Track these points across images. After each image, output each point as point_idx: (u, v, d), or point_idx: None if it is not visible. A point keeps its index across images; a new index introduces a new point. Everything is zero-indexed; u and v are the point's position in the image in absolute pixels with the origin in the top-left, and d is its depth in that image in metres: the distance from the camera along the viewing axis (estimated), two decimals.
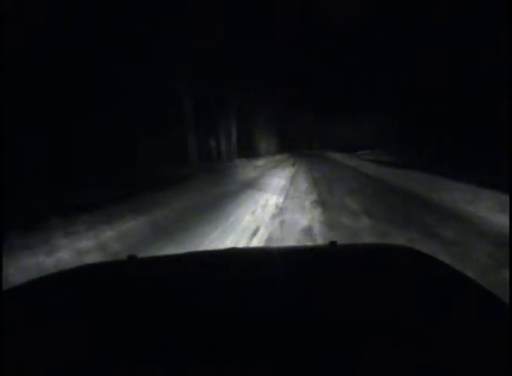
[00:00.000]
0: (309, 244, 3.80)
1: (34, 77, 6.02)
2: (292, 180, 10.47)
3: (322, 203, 6.25)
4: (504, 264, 2.89)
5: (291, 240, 3.86)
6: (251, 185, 9.31)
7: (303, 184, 9.35)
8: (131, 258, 1.06)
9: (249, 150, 23.06)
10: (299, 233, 4.18)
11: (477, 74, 11.72)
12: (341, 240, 3.07)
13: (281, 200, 6.69)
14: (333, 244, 1.13)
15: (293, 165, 18.11)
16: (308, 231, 4.25)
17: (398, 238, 3.78)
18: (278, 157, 28.14)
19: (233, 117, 19.47)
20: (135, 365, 0.53)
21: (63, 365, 0.54)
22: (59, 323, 0.66)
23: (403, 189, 7.91)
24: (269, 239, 3.86)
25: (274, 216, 5.15)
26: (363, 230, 4.21)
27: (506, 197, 5.73)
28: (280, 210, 5.64)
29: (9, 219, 4.41)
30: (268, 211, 5.63)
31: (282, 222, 4.72)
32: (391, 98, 21.30)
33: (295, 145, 42.85)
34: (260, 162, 19.86)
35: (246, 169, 14.99)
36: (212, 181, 10.18)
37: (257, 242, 3.73)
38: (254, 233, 4.18)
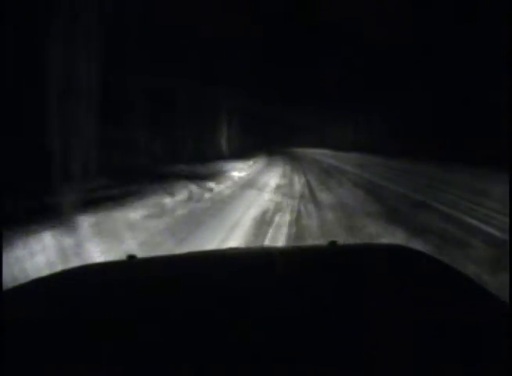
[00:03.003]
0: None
1: None
2: None
3: None
4: None
5: None
6: None
7: None
8: (131, 258, 1.06)
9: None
10: None
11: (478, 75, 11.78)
12: None
13: None
14: (332, 243, 1.13)
15: None
16: None
17: None
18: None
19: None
20: (134, 365, 0.53)
21: (63, 365, 0.54)
22: (59, 323, 0.66)
23: None
24: None
25: None
26: None
27: None
28: None
29: None
30: None
31: None
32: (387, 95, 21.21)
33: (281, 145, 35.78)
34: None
35: None
36: None
37: None
38: None
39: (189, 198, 6.63)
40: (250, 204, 6.27)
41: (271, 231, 4.43)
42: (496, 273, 2.94)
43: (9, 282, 2.22)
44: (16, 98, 5.82)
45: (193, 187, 7.42)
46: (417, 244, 3.71)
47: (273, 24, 19.00)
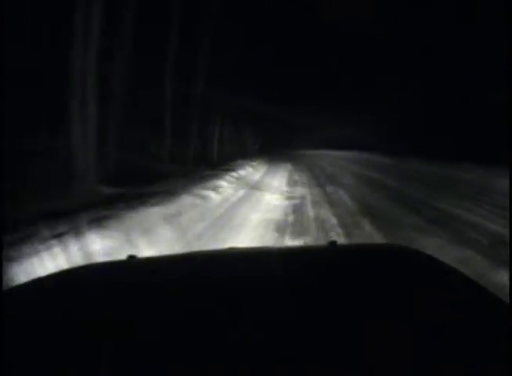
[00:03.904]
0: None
1: None
2: None
3: None
4: None
5: None
6: None
7: None
8: (131, 258, 1.06)
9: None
10: None
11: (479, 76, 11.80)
12: None
13: None
14: (332, 243, 1.14)
15: None
16: None
17: None
18: None
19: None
20: (134, 365, 0.53)
21: (63, 365, 0.54)
22: (59, 323, 0.66)
23: None
24: None
25: None
26: None
27: None
28: None
29: None
30: None
31: None
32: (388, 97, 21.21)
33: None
34: None
35: None
36: None
37: None
38: None
39: None
40: None
41: None
42: None
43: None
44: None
45: None
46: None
47: (273, 24, 19.02)
